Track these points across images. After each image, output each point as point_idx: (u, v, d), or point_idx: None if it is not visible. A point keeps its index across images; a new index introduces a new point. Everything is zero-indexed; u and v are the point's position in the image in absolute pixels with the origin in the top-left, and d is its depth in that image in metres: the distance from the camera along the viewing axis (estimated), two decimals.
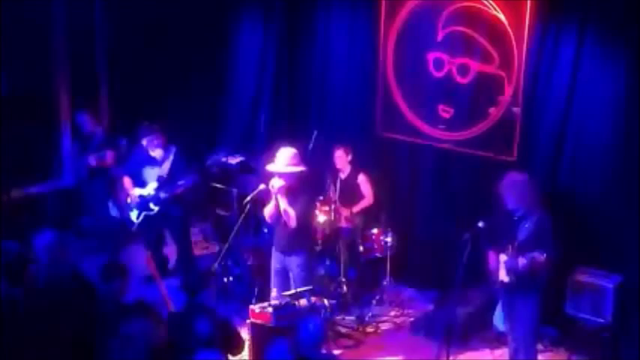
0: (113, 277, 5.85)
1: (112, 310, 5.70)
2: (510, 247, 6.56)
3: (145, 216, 8.54)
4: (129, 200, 8.58)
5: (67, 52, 9.67)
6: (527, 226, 6.55)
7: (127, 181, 8.64)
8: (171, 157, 8.51)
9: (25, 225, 8.27)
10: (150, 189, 8.49)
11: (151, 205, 8.48)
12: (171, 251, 9.03)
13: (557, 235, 6.54)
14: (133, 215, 8.58)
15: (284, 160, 7.15)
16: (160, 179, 8.46)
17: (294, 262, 7.31)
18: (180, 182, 8.39)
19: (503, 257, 6.65)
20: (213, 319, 5.81)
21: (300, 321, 5.82)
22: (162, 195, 8.42)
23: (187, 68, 9.94)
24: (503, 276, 6.66)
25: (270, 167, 7.20)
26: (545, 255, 6.34)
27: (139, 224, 8.59)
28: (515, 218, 6.61)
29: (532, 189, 6.65)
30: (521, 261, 6.44)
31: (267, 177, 7.27)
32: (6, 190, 8.99)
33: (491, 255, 6.77)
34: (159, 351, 5.31)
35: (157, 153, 8.50)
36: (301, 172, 7.18)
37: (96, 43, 9.96)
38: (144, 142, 8.47)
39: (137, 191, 8.53)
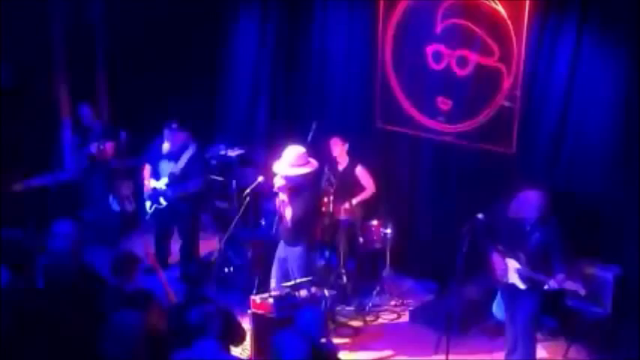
0: (125, 268, 5.87)
1: (115, 301, 5.70)
2: (522, 256, 6.60)
3: (156, 208, 8.67)
4: (145, 190, 8.73)
5: (66, 45, 9.69)
6: (536, 236, 6.56)
7: (146, 169, 8.79)
8: (187, 156, 8.58)
9: (26, 217, 8.31)
10: (161, 183, 8.60)
11: (161, 200, 8.61)
12: (176, 246, 9.06)
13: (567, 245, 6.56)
14: (147, 205, 8.75)
15: (288, 161, 7.19)
16: (171, 176, 8.54)
17: (293, 253, 7.38)
18: (188, 186, 8.52)
19: (513, 263, 6.67)
20: (213, 310, 5.82)
21: (299, 312, 5.86)
22: (170, 193, 8.54)
23: (187, 60, 9.93)
24: (515, 280, 6.68)
25: (275, 168, 7.25)
26: (585, 291, 6.38)
27: (151, 215, 8.78)
28: (527, 228, 6.61)
29: (547, 204, 6.60)
30: (553, 284, 6.41)
31: (273, 173, 7.34)
32: (7, 183, 9.02)
33: (496, 257, 6.78)
34: (158, 341, 5.33)
35: (167, 146, 8.60)
36: (306, 173, 7.22)
37: (95, 37, 9.96)
38: (165, 132, 8.58)
39: (152, 183, 8.66)
